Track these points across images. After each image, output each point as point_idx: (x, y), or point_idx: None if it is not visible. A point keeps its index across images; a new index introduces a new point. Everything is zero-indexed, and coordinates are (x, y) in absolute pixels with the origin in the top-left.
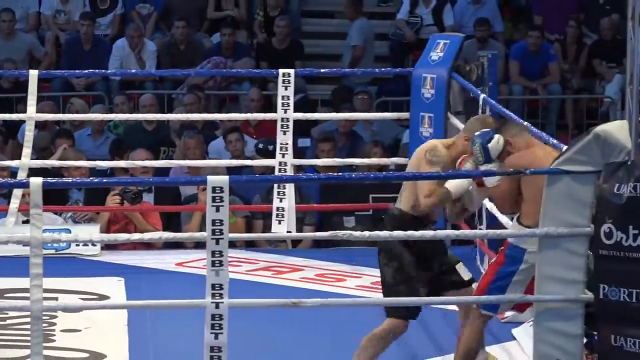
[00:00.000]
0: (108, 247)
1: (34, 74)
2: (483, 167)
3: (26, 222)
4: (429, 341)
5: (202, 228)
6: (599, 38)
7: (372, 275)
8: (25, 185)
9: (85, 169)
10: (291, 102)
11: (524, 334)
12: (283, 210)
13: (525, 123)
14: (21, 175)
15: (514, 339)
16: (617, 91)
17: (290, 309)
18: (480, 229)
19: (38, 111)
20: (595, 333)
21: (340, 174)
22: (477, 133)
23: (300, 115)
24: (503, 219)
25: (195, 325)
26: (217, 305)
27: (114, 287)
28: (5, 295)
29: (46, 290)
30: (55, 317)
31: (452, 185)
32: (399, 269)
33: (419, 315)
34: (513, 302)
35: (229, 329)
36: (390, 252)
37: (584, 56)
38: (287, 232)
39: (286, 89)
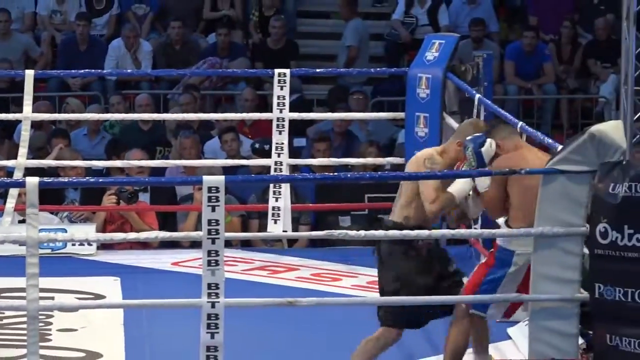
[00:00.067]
0: (104, 246)
1: (29, 74)
2: None
3: (22, 221)
4: (424, 340)
5: (198, 228)
6: (594, 38)
7: (368, 274)
8: (21, 184)
9: (81, 169)
10: (287, 102)
11: (519, 333)
12: (279, 210)
13: (521, 123)
14: (17, 175)
15: (509, 338)
16: (612, 91)
17: (286, 308)
18: (475, 228)
19: (34, 111)
20: (591, 332)
21: (335, 173)
22: (468, 138)
23: (295, 115)
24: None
25: (192, 324)
26: (213, 305)
27: (110, 287)
28: (1, 294)
29: (42, 290)
30: (52, 316)
31: (455, 189)
32: (402, 289)
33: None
34: (508, 301)
35: (225, 329)
36: (393, 269)
37: (578, 56)
38: (283, 231)
39: (282, 88)
